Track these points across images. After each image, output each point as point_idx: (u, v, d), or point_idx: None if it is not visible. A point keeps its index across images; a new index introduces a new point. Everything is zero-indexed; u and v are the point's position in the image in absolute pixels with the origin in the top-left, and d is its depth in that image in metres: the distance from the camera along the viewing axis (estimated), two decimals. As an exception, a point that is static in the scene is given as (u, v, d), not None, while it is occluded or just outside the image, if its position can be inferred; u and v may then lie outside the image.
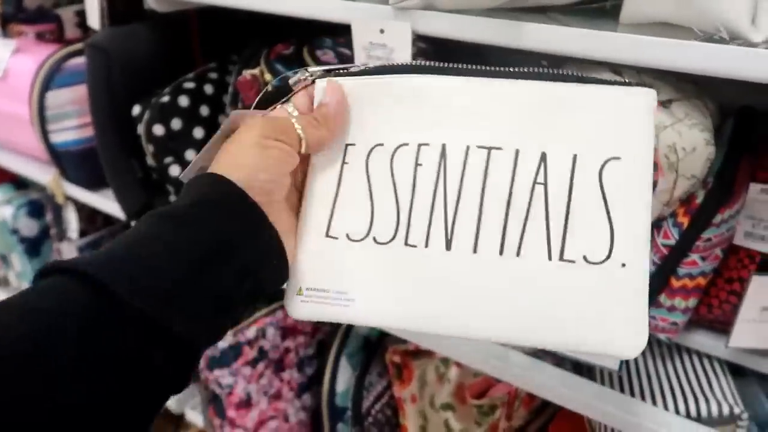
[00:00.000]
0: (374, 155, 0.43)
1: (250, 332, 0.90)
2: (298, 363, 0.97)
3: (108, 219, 1.19)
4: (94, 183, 1.00)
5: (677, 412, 0.65)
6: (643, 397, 0.67)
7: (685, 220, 0.59)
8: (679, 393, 0.66)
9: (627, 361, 0.72)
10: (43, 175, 1.06)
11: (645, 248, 0.38)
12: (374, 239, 0.42)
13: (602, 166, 0.39)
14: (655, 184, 0.59)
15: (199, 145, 0.83)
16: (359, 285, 0.42)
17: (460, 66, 0.42)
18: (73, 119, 0.95)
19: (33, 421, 0.27)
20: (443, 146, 0.41)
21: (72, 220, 1.13)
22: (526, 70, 0.41)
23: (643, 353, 0.74)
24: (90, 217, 1.18)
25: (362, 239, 0.42)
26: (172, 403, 1.16)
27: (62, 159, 0.98)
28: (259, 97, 0.47)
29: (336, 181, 0.43)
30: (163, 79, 0.83)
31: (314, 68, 0.44)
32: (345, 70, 0.44)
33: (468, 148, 0.40)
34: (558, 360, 0.72)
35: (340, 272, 0.42)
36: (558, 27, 0.50)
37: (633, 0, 0.51)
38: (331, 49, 0.75)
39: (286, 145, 0.40)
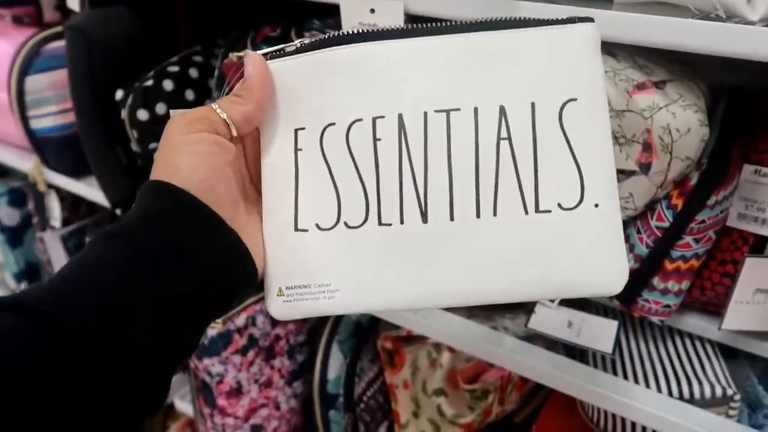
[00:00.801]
0: (328, 136, 0.40)
1: (240, 320, 0.89)
2: (288, 350, 0.96)
3: (92, 207, 1.17)
4: (77, 170, 0.98)
5: (670, 394, 0.65)
6: (636, 380, 0.67)
7: (679, 202, 0.59)
8: (672, 375, 0.67)
9: (620, 345, 0.72)
10: (24, 162, 1.04)
11: (614, 186, 0.38)
12: (345, 224, 0.40)
13: (560, 110, 0.38)
14: (649, 166, 0.58)
15: (184, 131, 0.81)
16: (340, 274, 0.40)
17: (398, 28, 0.40)
18: (53, 105, 0.93)
19: None
20: (400, 116, 0.38)
21: (55, 209, 1.11)
22: (464, 22, 0.39)
23: (636, 336, 0.74)
24: (73, 205, 1.16)
25: (333, 227, 0.40)
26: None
27: (43, 146, 0.96)
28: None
29: (293, 172, 0.41)
30: (147, 62, 0.81)
31: (243, 52, 0.41)
32: (281, 51, 0.41)
33: (426, 114, 0.38)
34: (550, 344, 0.71)
35: (317, 265, 0.40)
36: (551, 5, 0.49)
37: (628, -22, 0.50)
38: (319, 30, 0.73)
39: (210, 134, 0.37)
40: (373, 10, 0.55)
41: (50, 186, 1.05)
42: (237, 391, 0.93)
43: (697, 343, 0.72)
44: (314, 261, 0.40)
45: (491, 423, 0.85)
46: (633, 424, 0.70)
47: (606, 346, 0.65)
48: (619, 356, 0.71)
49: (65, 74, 0.82)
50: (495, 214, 0.38)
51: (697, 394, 0.64)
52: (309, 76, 0.40)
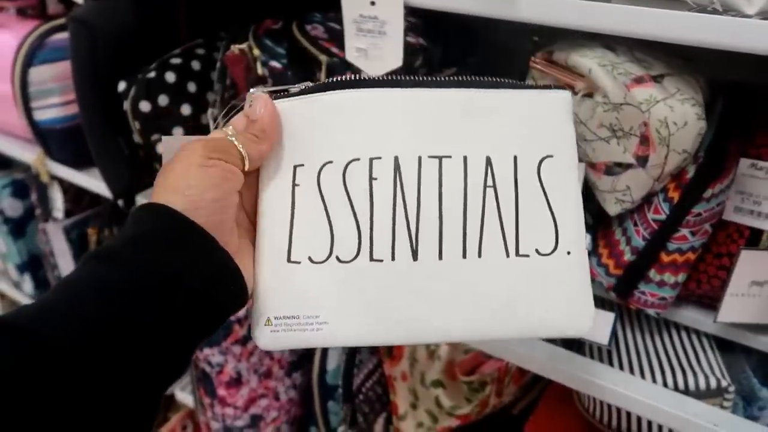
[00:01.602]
0: (325, 174, 0.42)
1: (240, 311, 0.90)
2: (288, 342, 0.97)
3: (95, 198, 1.18)
4: (79, 162, 0.99)
5: (665, 385, 0.65)
6: (632, 371, 0.68)
7: (675, 195, 0.59)
8: (667, 367, 0.67)
9: (616, 336, 0.73)
10: (27, 154, 1.04)
11: (582, 235, 0.43)
12: (338, 258, 0.41)
13: (539, 164, 0.42)
14: (646, 159, 0.59)
15: (186, 122, 0.81)
16: (329, 307, 0.41)
17: (396, 78, 0.42)
18: (56, 96, 0.93)
19: None
20: (396, 158, 0.41)
21: (57, 200, 1.11)
22: (453, 78, 0.42)
23: (633, 328, 0.74)
24: (76, 196, 1.17)
25: (326, 260, 0.41)
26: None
27: (46, 137, 0.97)
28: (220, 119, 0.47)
29: (290, 205, 0.42)
30: (149, 54, 0.82)
31: (255, 89, 0.43)
32: (286, 91, 0.43)
33: (420, 159, 0.41)
34: (548, 336, 0.72)
35: (307, 296, 0.41)
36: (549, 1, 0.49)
37: (627, -29, 0.51)
38: (321, 23, 0.74)
39: (229, 164, 0.39)
40: (373, 3, 0.56)
41: (53, 177, 1.06)
42: (237, 381, 0.94)
43: (693, 336, 0.72)
44: (305, 292, 0.41)
45: (489, 414, 0.86)
46: (629, 415, 0.71)
47: (603, 337, 0.66)
48: (615, 348, 0.71)
49: (68, 66, 0.83)
50: (480, 255, 0.41)
51: (692, 386, 0.65)
52: (311, 116, 0.42)
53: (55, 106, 0.94)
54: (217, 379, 0.94)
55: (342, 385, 0.94)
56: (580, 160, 0.65)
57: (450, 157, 0.41)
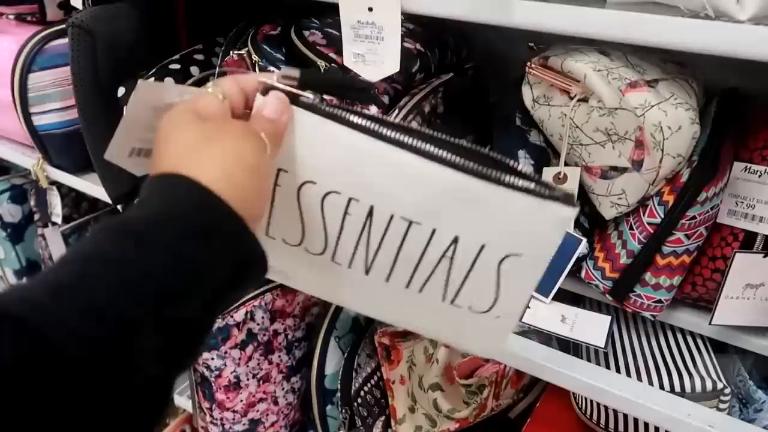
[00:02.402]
0: (306, 190, 0.44)
1: (239, 315, 0.90)
2: (287, 346, 0.97)
3: (94, 204, 1.18)
4: (79, 167, 0.99)
5: (662, 387, 0.66)
6: (628, 373, 0.68)
7: (670, 199, 0.60)
8: (663, 369, 0.68)
9: (613, 339, 0.73)
10: (26, 159, 1.04)
11: (520, 308, 0.46)
12: (306, 249, 0.48)
13: (503, 259, 0.43)
14: (641, 163, 0.60)
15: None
16: (295, 270, 0.50)
17: (411, 129, 0.42)
18: (56, 101, 0.93)
19: None
20: (371, 207, 0.43)
21: (56, 205, 1.11)
22: (469, 146, 0.41)
23: (629, 330, 0.75)
24: (75, 201, 1.17)
25: (296, 246, 0.48)
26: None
27: (46, 142, 0.97)
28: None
29: (269, 200, 0.46)
30: (148, 60, 0.82)
31: (277, 76, 0.43)
32: (304, 100, 0.43)
33: (392, 216, 0.43)
34: (545, 339, 0.72)
35: (282, 257, 0.48)
36: (546, 4, 0.50)
37: (620, -22, 0.52)
38: (319, 29, 0.74)
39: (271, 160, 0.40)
40: (371, 9, 0.56)
41: (52, 182, 1.06)
42: (235, 386, 0.94)
43: (689, 338, 0.73)
44: (280, 255, 0.48)
45: (487, 417, 0.86)
46: (625, 417, 0.72)
47: (599, 340, 0.66)
48: (611, 350, 0.72)
49: (68, 71, 0.83)
50: (420, 291, 0.47)
51: (688, 388, 0.65)
52: (312, 134, 0.43)
53: (55, 111, 0.94)
54: (216, 383, 0.94)
55: (340, 389, 0.94)
56: (575, 164, 0.66)
57: (420, 224, 0.43)
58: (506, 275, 0.44)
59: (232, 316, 0.90)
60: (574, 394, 0.78)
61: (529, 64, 0.64)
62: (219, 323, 0.89)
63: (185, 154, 0.35)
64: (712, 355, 0.70)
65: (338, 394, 0.95)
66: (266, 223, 0.47)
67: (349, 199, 0.44)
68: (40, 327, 0.27)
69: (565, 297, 0.72)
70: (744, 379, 0.70)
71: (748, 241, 0.62)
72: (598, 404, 0.74)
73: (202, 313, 0.33)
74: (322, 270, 0.48)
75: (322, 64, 0.68)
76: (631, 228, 0.64)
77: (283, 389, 1.00)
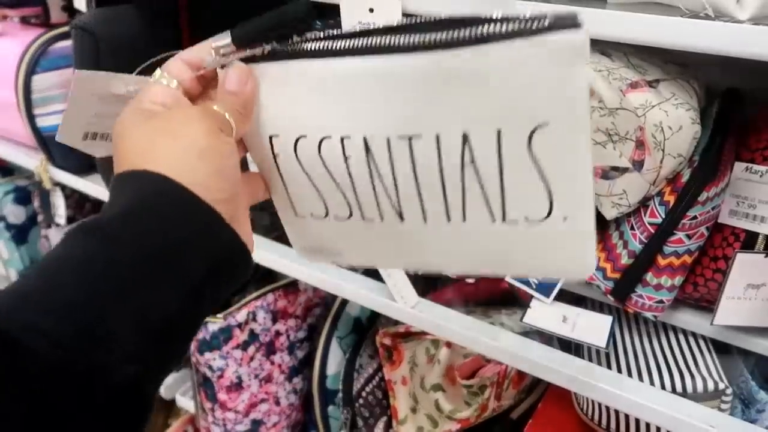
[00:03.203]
0: (301, 147, 0.41)
1: (241, 315, 0.90)
2: (288, 346, 0.98)
3: (97, 205, 1.19)
4: (82, 168, 1.00)
5: (663, 387, 0.66)
6: (629, 374, 0.68)
7: (671, 199, 0.60)
8: (665, 369, 0.67)
9: (614, 339, 0.73)
10: (30, 160, 1.05)
11: (587, 199, 0.37)
12: (335, 217, 0.44)
13: (530, 138, 0.35)
14: (642, 163, 0.60)
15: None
16: (341, 244, 0.46)
17: (362, 31, 0.36)
18: (59, 103, 0.94)
19: None
20: (365, 140, 0.38)
21: (60, 206, 1.12)
22: (427, 20, 0.34)
23: (630, 331, 0.75)
24: (78, 202, 1.18)
25: (325, 217, 0.44)
26: (162, 390, 1.16)
27: (49, 144, 0.97)
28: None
29: (278, 174, 0.43)
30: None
31: (221, 44, 0.40)
32: (253, 55, 0.39)
33: (389, 140, 0.38)
34: (546, 339, 0.72)
35: (323, 237, 0.46)
36: (546, 4, 0.50)
37: (621, -22, 0.52)
38: (320, 30, 0.75)
39: (231, 138, 0.37)
40: (372, 10, 0.57)
41: (55, 184, 1.07)
42: (237, 386, 0.95)
43: (690, 338, 0.72)
44: (320, 234, 0.46)
45: (488, 418, 0.86)
46: (627, 417, 0.71)
47: (600, 340, 0.66)
48: (613, 351, 0.72)
49: (71, 73, 0.84)
50: (464, 219, 0.40)
51: (689, 388, 0.65)
52: (282, 84, 0.39)
53: (58, 113, 0.95)
54: (218, 384, 0.94)
55: (342, 389, 0.94)
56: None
57: (420, 136, 0.37)
58: (544, 157, 0.35)
59: (234, 317, 0.90)
60: (575, 394, 0.78)
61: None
62: (221, 323, 0.90)
63: (139, 153, 0.35)
64: (714, 355, 0.70)
65: (340, 394, 0.95)
66: (289, 203, 0.44)
67: (342, 139, 0.39)
68: (11, 330, 0.27)
69: (566, 297, 0.72)
70: (746, 379, 0.69)
71: (749, 242, 0.62)
72: (600, 405, 0.74)
73: (177, 308, 0.32)
74: (362, 235, 0.44)
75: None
76: (632, 228, 0.64)
77: (284, 390, 1.00)
